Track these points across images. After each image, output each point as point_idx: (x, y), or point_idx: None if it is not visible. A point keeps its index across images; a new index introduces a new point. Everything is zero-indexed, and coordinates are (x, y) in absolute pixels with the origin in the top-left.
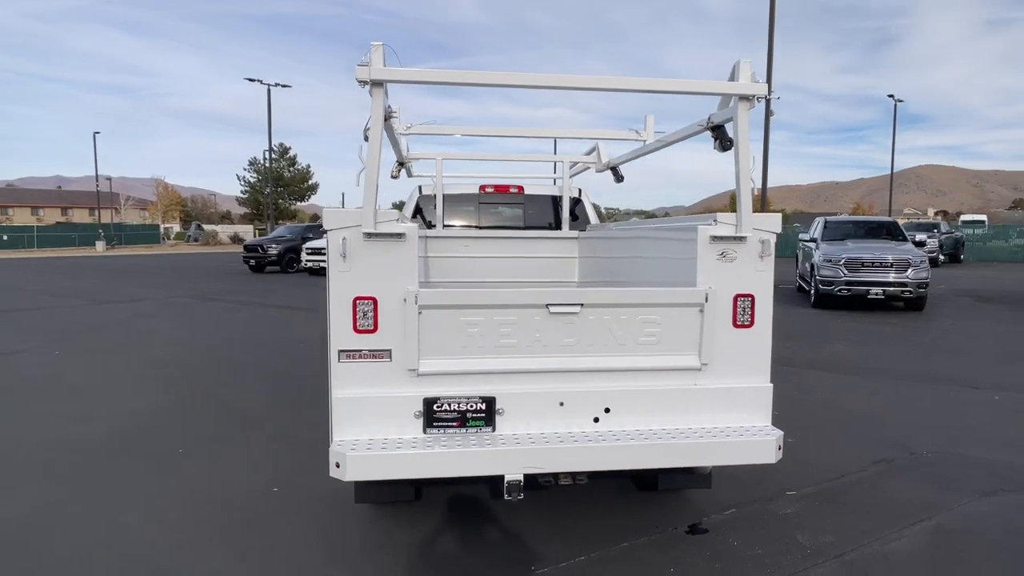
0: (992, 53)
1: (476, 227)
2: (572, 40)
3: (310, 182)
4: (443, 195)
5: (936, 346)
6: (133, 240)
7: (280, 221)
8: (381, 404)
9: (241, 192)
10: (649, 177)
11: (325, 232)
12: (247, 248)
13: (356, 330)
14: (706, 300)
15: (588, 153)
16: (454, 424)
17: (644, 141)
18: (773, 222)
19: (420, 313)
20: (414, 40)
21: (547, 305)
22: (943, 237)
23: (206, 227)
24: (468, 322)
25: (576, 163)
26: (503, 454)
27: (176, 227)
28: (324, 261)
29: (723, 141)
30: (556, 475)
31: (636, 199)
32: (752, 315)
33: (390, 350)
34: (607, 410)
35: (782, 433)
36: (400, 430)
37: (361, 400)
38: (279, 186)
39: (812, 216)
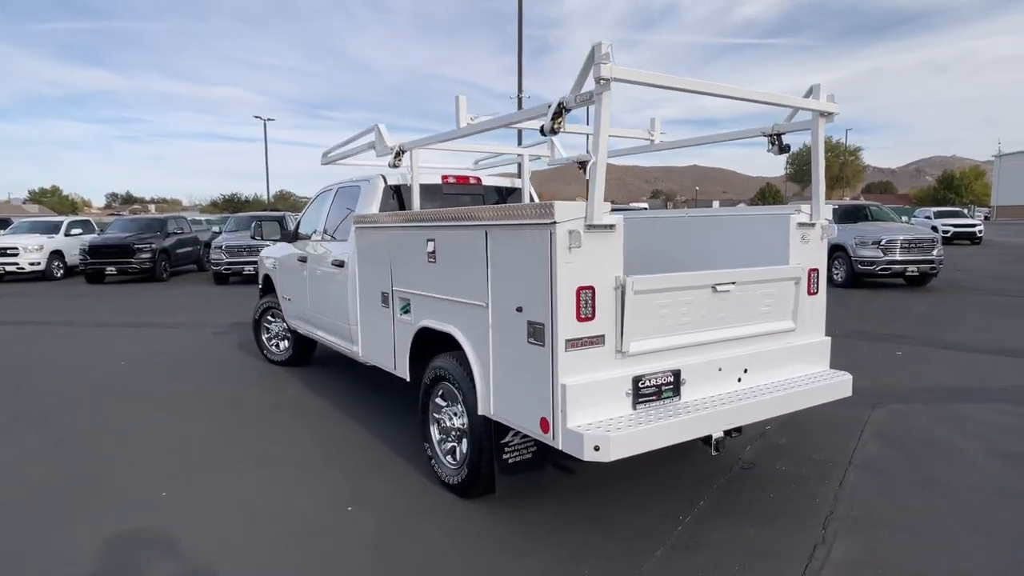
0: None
1: None
2: (247, 15)
3: None
4: (408, 186)
5: None
6: None
7: None
8: (600, 387)
9: None
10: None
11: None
12: None
13: (579, 319)
14: (802, 274)
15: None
16: (654, 398)
17: (652, 140)
18: (829, 211)
19: (634, 297)
20: None
21: (714, 285)
22: None
23: None
24: (661, 304)
25: (537, 156)
26: (711, 417)
27: None
28: (18, 264)
29: (780, 146)
30: (730, 430)
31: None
32: (818, 285)
33: (603, 335)
34: (745, 371)
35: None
36: (615, 409)
37: (585, 385)
38: None
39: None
